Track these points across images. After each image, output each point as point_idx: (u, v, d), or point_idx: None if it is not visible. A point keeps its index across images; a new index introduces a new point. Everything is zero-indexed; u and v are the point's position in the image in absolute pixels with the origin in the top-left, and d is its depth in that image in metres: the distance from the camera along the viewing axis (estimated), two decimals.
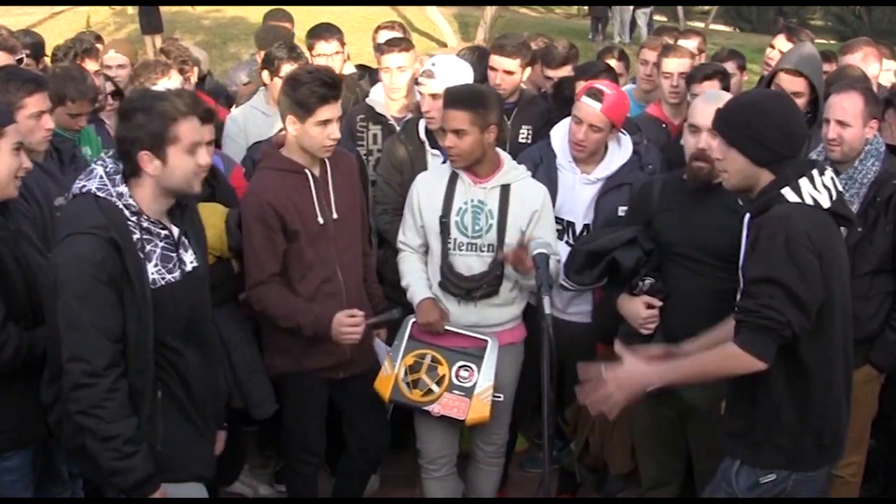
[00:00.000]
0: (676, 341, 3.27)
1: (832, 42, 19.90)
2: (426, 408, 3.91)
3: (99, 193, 2.87)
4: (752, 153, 2.91)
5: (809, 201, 2.86)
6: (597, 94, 3.98)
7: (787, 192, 2.85)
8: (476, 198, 3.92)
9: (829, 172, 2.95)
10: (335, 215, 3.81)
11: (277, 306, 3.76)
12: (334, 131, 3.68)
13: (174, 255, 3.00)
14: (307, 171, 3.77)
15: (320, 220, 3.77)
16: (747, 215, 3.03)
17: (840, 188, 2.96)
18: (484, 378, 3.89)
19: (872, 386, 4.08)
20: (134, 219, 2.89)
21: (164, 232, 2.98)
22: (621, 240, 3.70)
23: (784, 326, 2.80)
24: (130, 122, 2.86)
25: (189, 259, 3.07)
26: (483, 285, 3.92)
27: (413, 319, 3.99)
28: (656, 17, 21.61)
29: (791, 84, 4.42)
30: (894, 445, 4.52)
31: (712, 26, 24.14)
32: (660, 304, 3.66)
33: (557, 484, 4.66)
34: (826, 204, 2.88)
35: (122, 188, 2.88)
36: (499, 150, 4.01)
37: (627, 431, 4.09)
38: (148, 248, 2.92)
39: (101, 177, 2.89)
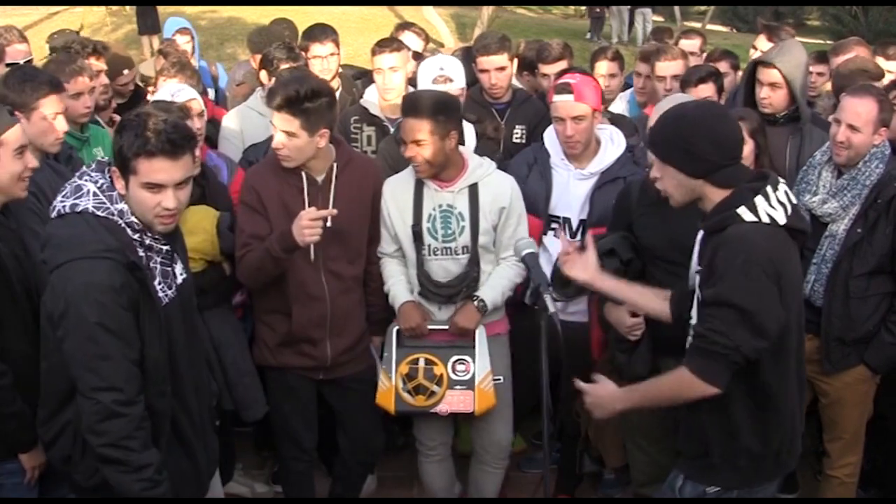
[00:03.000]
0: (663, 345, 3.32)
1: (828, 42, 19.90)
2: (433, 410, 3.93)
3: (98, 213, 2.72)
4: (686, 167, 2.83)
5: (766, 220, 2.78)
6: (565, 88, 4.00)
7: (744, 212, 2.77)
8: (444, 202, 3.90)
9: (782, 186, 2.85)
10: (328, 223, 3.71)
11: (253, 258, 3.70)
12: (275, 139, 3.65)
13: (170, 269, 2.93)
14: (303, 173, 3.75)
15: None
16: (700, 231, 2.96)
17: (794, 201, 2.88)
18: (481, 367, 3.92)
19: (867, 386, 4.09)
20: (137, 237, 2.78)
21: (165, 248, 2.88)
22: (599, 251, 3.69)
23: (733, 352, 2.75)
24: (118, 134, 2.74)
25: (179, 271, 2.99)
26: (463, 289, 3.92)
27: (397, 328, 3.99)
28: (653, 17, 21.60)
29: (768, 76, 4.42)
30: (890, 446, 4.52)
31: (709, 26, 24.13)
32: None
33: (555, 484, 4.66)
34: (782, 220, 2.80)
35: (122, 205, 2.75)
36: (461, 147, 3.94)
37: (619, 426, 4.10)
38: (151, 265, 2.84)
39: (96, 193, 2.74)
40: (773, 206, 2.80)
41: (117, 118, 5.26)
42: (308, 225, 3.51)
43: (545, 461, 2.86)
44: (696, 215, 3.46)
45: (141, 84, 5.91)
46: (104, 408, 2.68)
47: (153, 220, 2.77)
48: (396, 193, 3.96)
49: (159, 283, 2.86)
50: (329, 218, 3.74)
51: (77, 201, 2.73)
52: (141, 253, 2.79)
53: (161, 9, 16.66)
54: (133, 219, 2.76)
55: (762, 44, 5.80)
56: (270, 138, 4.10)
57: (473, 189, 3.90)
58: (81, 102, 4.27)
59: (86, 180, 2.77)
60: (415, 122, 3.73)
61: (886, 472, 4.59)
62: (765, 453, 2.94)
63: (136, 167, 2.70)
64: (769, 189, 2.81)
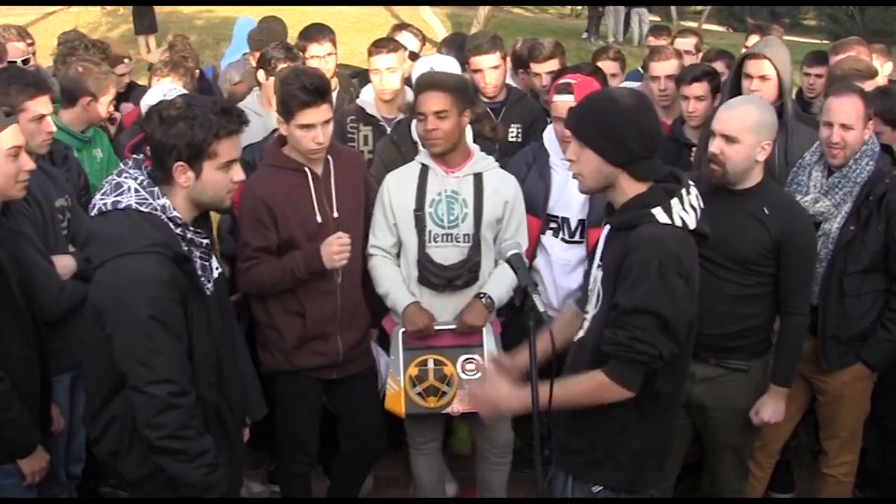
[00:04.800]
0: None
1: (825, 42, 19.92)
2: (445, 411, 3.94)
3: (142, 208, 2.76)
4: (607, 153, 2.78)
5: (678, 223, 2.75)
6: (566, 88, 4.02)
7: (658, 213, 2.73)
8: (449, 188, 3.94)
9: (694, 189, 2.84)
10: (335, 214, 3.82)
11: (268, 273, 3.74)
12: (318, 135, 3.66)
13: (208, 264, 2.98)
14: (306, 169, 3.78)
15: (318, 218, 3.77)
16: (607, 226, 2.91)
17: (702, 205, 2.85)
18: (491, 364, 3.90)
19: (865, 385, 4.09)
20: (180, 231, 2.83)
21: (205, 241, 2.93)
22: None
23: (655, 359, 2.73)
24: (172, 129, 2.74)
25: (215, 265, 3.05)
26: (464, 272, 3.93)
27: (402, 330, 3.98)
28: (650, 17, 21.58)
29: (757, 68, 4.43)
30: (888, 445, 4.53)
31: (705, 26, 24.13)
32: None
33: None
34: (692, 225, 2.79)
35: (164, 200, 2.79)
36: (470, 143, 4.03)
37: None
38: (192, 258, 2.88)
39: (137, 190, 2.78)
40: (685, 210, 2.77)
41: (116, 114, 5.28)
42: (339, 250, 3.61)
43: (537, 461, 2.85)
44: (743, 220, 3.48)
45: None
46: (160, 401, 2.72)
47: (225, 196, 2.88)
48: (400, 181, 4.00)
49: (201, 277, 2.91)
50: (335, 209, 3.81)
51: (119, 198, 2.77)
52: (184, 247, 2.83)
53: (157, 9, 16.61)
54: (176, 213, 2.80)
55: (753, 43, 5.81)
56: (266, 139, 4.11)
57: (478, 178, 3.94)
58: (108, 107, 4.31)
59: (125, 177, 2.81)
60: (437, 94, 3.80)
61: (883, 472, 4.60)
62: (648, 451, 2.93)
63: (215, 150, 2.78)
64: (684, 192, 2.79)
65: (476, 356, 3.93)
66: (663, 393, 2.86)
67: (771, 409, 3.76)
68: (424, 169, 3.97)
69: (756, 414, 3.77)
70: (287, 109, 3.64)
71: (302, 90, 3.59)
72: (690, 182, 2.86)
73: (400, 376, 3.95)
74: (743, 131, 3.52)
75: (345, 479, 4.29)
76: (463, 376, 3.92)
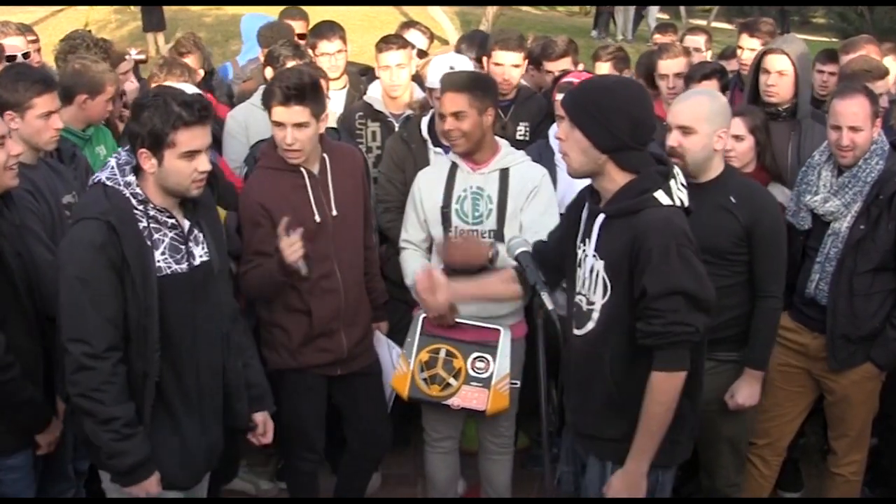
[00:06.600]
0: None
1: (834, 40, 19.86)
2: (446, 402, 3.94)
3: (108, 182, 2.93)
4: (595, 136, 2.81)
5: (678, 203, 2.85)
6: (568, 87, 3.99)
7: (661, 196, 2.81)
8: (475, 184, 3.96)
9: (678, 169, 2.95)
10: (335, 212, 3.83)
11: (263, 278, 3.76)
12: (287, 136, 3.67)
13: (183, 246, 3.03)
14: (303, 169, 3.78)
15: (317, 217, 3.78)
16: (601, 215, 2.91)
17: (685, 182, 2.94)
18: (500, 368, 3.92)
19: (873, 384, 4.08)
20: (141, 207, 2.94)
21: (171, 221, 3.01)
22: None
23: (694, 334, 2.81)
24: (138, 118, 2.90)
25: (199, 253, 3.09)
26: (483, 271, 3.92)
27: (423, 315, 4.00)
28: (657, 15, 21.54)
29: (776, 63, 4.46)
30: (895, 444, 4.51)
31: (714, 24, 24.09)
32: None
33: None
34: (687, 203, 2.89)
35: (130, 178, 2.94)
36: (497, 137, 4.04)
37: None
38: (156, 236, 2.96)
39: (113, 167, 2.96)
40: (679, 189, 2.87)
41: (126, 112, 5.27)
42: (290, 252, 3.54)
43: (546, 458, 2.85)
44: (713, 212, 3.48)
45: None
46: (75, 359, 2.85)
47: (190, 185, 2.97)
48: (431, 177, 4.04)
49: (163, 254, 2.97)
50: (334, 207, 3.81)
51: (99, 174, 2.98)
52: (143, 223, 2.93)
53: (165, 7, 16.64)
54: (137, 190, 2.94)
55: (746, 42, 5.81)
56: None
57: (504, 173, 3.95)
58: (107, 105, 4.31)
59: (113, 157, 3.02)
60: (454, 95, 3.82)
61: (892, 471, 4.58)
62: (681, 425, 2.97)
63: (174, 140, 2.88)
64: (676, 172, 2.89)
65: (488, 356, 3.93)
66: (695, 370, 2.91)
67: (746, 392, 3.80)
68: (454, 166, 4.00)
69: (731, 397, 3.80)
70: (265, 104, 3.73)
71: (280, 88, 3.63)
72: (677, 169, 2.95)
73: (411, 358, 3.97)
74: (698, 121, 3.56)
75: (352, 476, 4.30)
76: (471, 373, 3.92)
